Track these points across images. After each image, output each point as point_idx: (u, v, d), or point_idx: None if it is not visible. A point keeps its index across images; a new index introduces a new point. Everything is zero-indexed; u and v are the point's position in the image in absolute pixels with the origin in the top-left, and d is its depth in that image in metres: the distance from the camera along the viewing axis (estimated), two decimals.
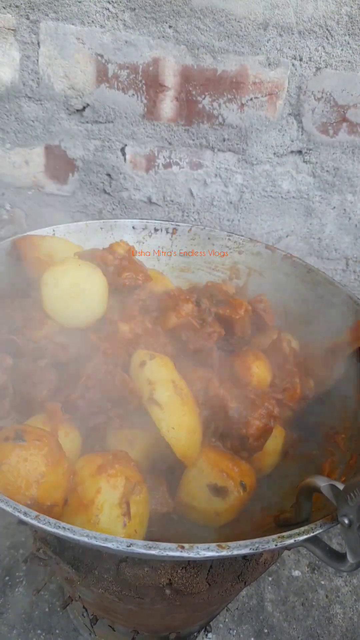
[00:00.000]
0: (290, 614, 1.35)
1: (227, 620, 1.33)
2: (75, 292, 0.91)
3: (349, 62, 1.28)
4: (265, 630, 1.32)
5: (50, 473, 0.67)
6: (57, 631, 1.25)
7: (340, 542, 1.50)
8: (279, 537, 0.55)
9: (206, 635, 1.27)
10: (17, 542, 1.42)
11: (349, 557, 0.56)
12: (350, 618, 1.36)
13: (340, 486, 0.57)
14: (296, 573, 1.45)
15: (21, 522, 1.20)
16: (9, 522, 1.46)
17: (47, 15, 1.20)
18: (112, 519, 0.68)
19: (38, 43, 1.24)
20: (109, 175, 1.44)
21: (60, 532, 0.53)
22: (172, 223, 1.26)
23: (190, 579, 0.76)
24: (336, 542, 1.52)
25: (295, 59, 1.28)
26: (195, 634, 1.15)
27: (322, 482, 0.59)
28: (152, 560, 0.75)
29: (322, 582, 1.44)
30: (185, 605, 0.83)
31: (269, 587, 1.41)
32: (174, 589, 0.76)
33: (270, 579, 1.43)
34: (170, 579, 0.75)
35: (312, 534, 0.57)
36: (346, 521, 0.56)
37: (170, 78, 1.29)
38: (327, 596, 1.40)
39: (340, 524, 0.57)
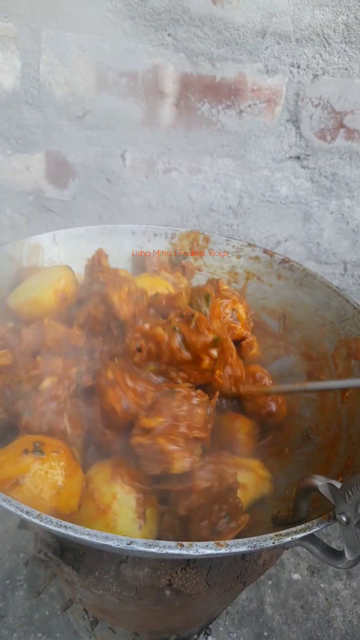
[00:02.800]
0: (290, 617, 1.36)
1: (227, 623, 1.33)
2: None
3: (345, 69, 1.30)
4: (265, 634, 1.32)
5: (68, 484, 0.69)
6: (57, 634, 1.26)
7: (340, 545, 1.51)
8: (276, 535, 0.56)
9: (206, 638, 1.27)
10: (17, 546, 1.42)
11: (347, 555, 0.57)
12: (350, 621, 1.36)
13: (338, 485, 0.58)
14: (296, 576, 1.45)
15: (22, 526, 1.20)
16: (9, 526, 1.46)
17: (48, 24, 1.22)
18: (128, 522, 0.71)
19: (39, 51, 1.25)
20: (108, 180, 1.45)
21: (62, 530, 0.54)
22: (171, 228, 1.27)
23: (190, 579, 0.76)
24: (335, 545, 1.52)
25: (292, 66, 1.29)
26: (195, 636, 1.15)
27: (319, 482, 0.60)
28: (152, 561, 0.75)
29: (322, 585, 1.44)
30: (185, 606, 0.84)
31: (269, 591, 1.41)
32: (174, 589, 0.77)
33: (270, 582, 1.43)
34: (170, 580, 0.76)
35: (309, 532, 0.58)
36: (344, 519, 0.57)
37: (169, 85, 1.30)
38: (326, 599, 1.41)
39: (338, 522, 0.58)
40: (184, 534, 0.73)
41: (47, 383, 0.80)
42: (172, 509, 0.74)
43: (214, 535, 0.69)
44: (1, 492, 0.58)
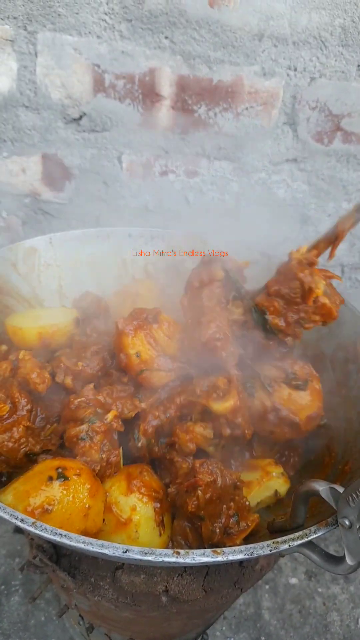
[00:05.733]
0: (287, 622, 1.35)
1: (224, 628, 1.32)
2: None
3: (342, 72, 1.30)
4: (263, 639, 1.31)
5: (94, 504, 0.71)
6: None
7: (337, 550, 1.50)
8: (273, 543, 0.56)
9: None
10: (13, 551, 1.41)
11: (348, 559, 0.57)
12: (347, 625, 1.36)
13: (340, 489, 0.58)
14: (293, 581, 1.45)
15: (17, 531, 1.19)
16: (5, 531, 1.45)
17: (45, 27, 1.22)
18: (149, 532, 0.73)
19: (35, 53, 1.25)
20: (105, 183, 1.45)
21: (57, 538, 0.54)
22: (169, 231, 1.27)
23: (187, 586, 0.76)
24: (333, 549, 1.52)
25: (290, 69, 1.29)
26: None
27: (320, 486, 0.60)
28: (149, 567, 0.75)
29: (319, 590, 1.43)
30: (181, 612, 0.83)
31: (266, 595, 1.40)
32: (171, 596, 0.76)
33: (267, 587, 1.43)
34: (166, 586, 0.75)
35: (307, 539, 0.57)
36: (347, 522, 0.56)
37: (166, 87, 1.30)
38: (324, 604, 1.40)
39: (340, 526, 0.57)
40: (195, 537, 0.73)
41: (111, 416, 0.82)
42: (180, 512, 0.76)
43: (226, 536, 0.71)
44: None
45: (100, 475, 0.77)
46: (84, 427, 0.79)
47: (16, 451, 0.80)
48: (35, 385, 0.85)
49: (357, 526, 0.55)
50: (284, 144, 1.40)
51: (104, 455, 0.78)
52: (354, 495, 0.55)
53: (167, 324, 0.95)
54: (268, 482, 0.84)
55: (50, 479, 0.69)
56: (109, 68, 1.27)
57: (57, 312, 1.08)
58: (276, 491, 0.84)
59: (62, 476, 0.69)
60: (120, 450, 0.82)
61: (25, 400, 0.84)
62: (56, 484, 0.68)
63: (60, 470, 0.70)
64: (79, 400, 0.83)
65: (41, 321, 1.01)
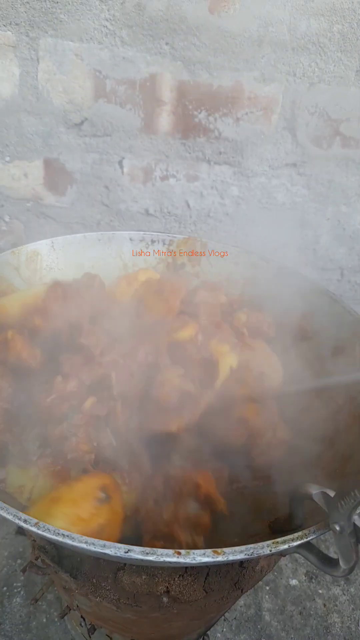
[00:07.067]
0: (288, 623, 1.35)
1: (224, 629, 1.33)
2: None
3: (341, 77, 1.31)
4: None
5: (121, 512, 0.73)
6: None
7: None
8: (273, 543, 0.57)
9: None
10: (15, 553, 1.42)
11: (341, 563, 0.57)
12: (348, 627, 1.36)
13: (331, 493, 0.59)
14: (294, 582, 1.45)
15: (19, 532, 1.20)
16: (7, 533, 1.46)
17: (47, 33, 1.23)
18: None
19: (37, 59, 1.26)
20: (106, 187, 1.46)
21: (60, 538, 0.54)
22: (169, 235, 1.28)
23: (188, 586, 0.76)
24: (333, 551, 1.52)
25: (289, 74, 1.30)
26: None
27: (313, 490, 0.61)
28: (150, 568, 0.75)
29: (320, 591, 1.44)
30: (182, 613, 0.84)
31: (267, 597, 1.41)
32: (172, 596, 0.77)
33: (267, 588, 1.43)
34: (167, 587, 0.76)
35: (305, 540, 0.58)
36: (337, 528, 0.57)
37: (167, 93, 1.31)
38: (325, 605, 1.41)
39: (332, 531, 0.58)
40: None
41: (88, 404, 0.81)
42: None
43: (195, 525, 0.71)
44: None
45: (97, 461, 0.78)
46: (65, 425, 0.78)
47: None
48: (29, 363, 0.86)
49: (348, 531, 0.56)
50: (284, 149, 1.41)
51: (95, 444, 0.78)
52: (343, 501, 0.56)
53: None
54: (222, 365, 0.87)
55: (100, 501, 0.71)
56: (110, 74, 1.29)
57: (39, 288, 1.10)
58: (231, 367, 0.87)
59: (106, 495, 0.71)
60: (108, 430, 0.81)
61: (7, 384, 0.85)
62: (105, 505, 0.70)
63: (103, 492, 0.72)
64: (50, 398, 0.82)
65: (22, 293, 1.05)
